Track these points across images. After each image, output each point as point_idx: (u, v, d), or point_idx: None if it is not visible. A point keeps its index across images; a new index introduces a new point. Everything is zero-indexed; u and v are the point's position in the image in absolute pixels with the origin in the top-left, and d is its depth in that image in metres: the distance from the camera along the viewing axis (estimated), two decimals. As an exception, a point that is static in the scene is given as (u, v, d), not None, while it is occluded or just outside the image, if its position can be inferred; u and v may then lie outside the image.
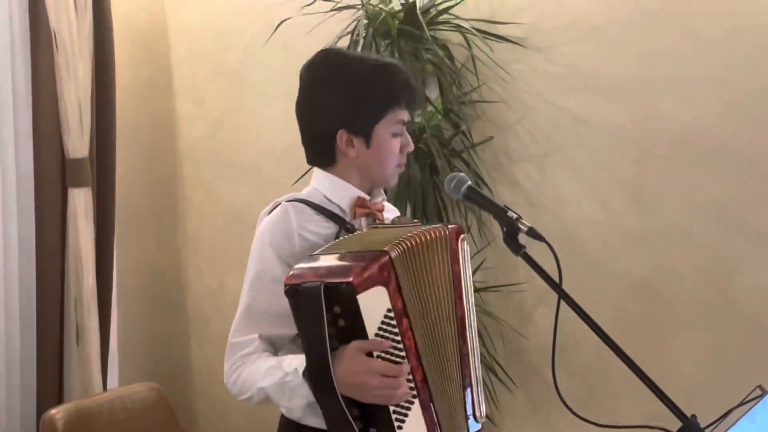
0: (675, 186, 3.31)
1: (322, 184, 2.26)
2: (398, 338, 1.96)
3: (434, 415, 2.03)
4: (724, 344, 3.26)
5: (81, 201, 3.80)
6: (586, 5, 3.41)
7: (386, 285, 1.93)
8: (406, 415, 1.99)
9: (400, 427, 1.97)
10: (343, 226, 2.21)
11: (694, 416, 1.93)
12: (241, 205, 4.25)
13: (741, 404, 2.26)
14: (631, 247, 3.41)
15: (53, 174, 3.77)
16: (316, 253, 2.04)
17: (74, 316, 3.82)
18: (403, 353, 1.97)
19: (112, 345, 4.06)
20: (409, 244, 2.01)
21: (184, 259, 4.51)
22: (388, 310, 1.94)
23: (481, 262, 3.56)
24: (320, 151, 2.26)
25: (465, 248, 2.19)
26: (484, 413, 2.23)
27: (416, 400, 2.00)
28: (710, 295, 3.27)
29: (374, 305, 1.93)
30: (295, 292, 1.92)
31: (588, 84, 3.43)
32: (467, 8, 3.54)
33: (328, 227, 2.21)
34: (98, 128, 3.92)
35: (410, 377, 1.98)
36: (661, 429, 1.96)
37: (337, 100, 2.21)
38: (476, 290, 3.57)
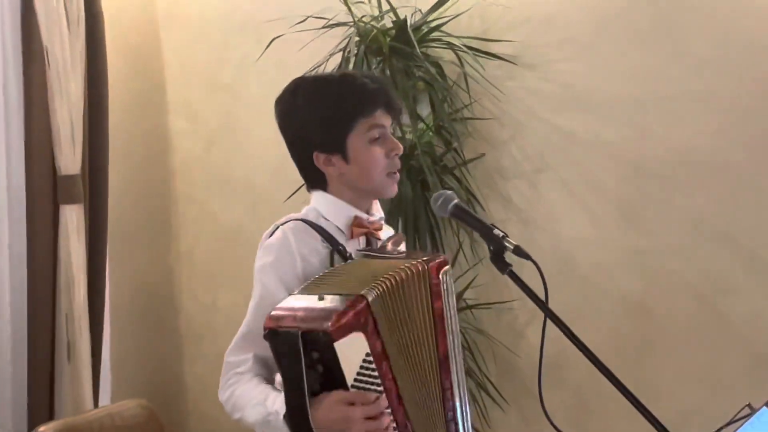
0: (667, 204, 3.32)
1: (319, 204, 2.26)
2: (378, 381, 1.95)
3: None
4: (716, 363, 3.27)
5: (73, 218, 3.81)
6: (577, 23, 3.43)
7: (363, 330, 1.92)
8: None
9: None
10: (335, 247, 2.21)
11: (678, 434, 1.94)
12: (235, 222, 4.25)
13: (730, 422, 2.27)
14: (623, 265, 3.41)
15: (45, 190, 3.79)
16: (296, 291, 2.03)
17: (65, 333, 3.83)
18: (383, 395, 1.96)
19: (105, 362, 4.06)
20: (387, 285, 1.98)
21: (177, 276, 4.51)
22: (367, 354, 1.94)
23: (473, 279, 3.57)
24: (310, 177, 2.27)
25: (448, 280, 2.13)
26: None
27: None
28: (702, 314, 3.28)
29: (352, 351, 1.92)
30: (274, 335, 1.93)
31: (580, 102, 3.44)
32: (459, 25, 3.56)
33: (320, 251, 2.20)
34: (91, 145, 3.94)
35: (391, 418, 1.97)
36: (647, 447, 1.97)
37: (302, 124, 2.22)
38: (468, 307, 3.59)
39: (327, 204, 2.25)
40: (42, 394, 3.81)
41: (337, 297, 1.95)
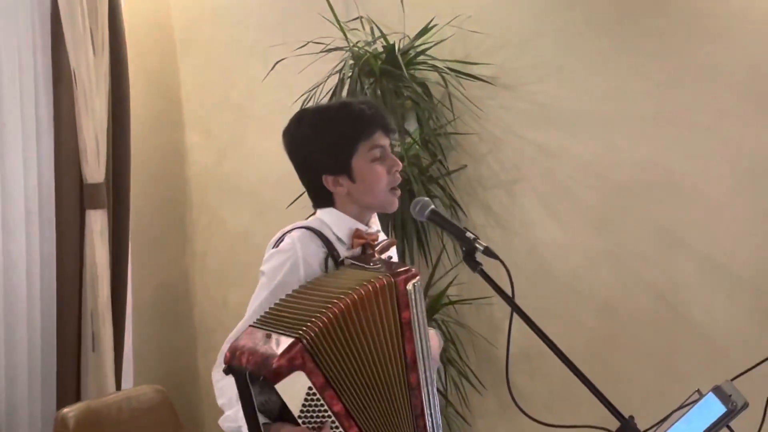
0: (629, 212, 3.34)
1: (327, 217, 2.28)
2: (324, 408, 1.94)
3: None
4: (673, 354, 3.28)
5: (97, 221, 3.83)
6: (549, 49, 3.45)
7: (301, 369, 1.90)
8: None
9: None
10: (330, 253, 2.22)
11: (631, 417, 1.94)
12: (243, 228, 4.27)
13: (681, 407, 2.27)
14: (590, 267, 3.43)
15: (72, 197, 3.80)
16: (254, 323, 2.03)
17: (90, 326, 3.84)
18: (332, 419, 1.95)
19: (128, 352, 4.08)
20: (332, 314, 1.95)
21: (191, 276, 4.52)
22: (309, 388, 1.93)
23: (455, 277, 3.58)
24: (318, 197, 2.28)
25: (417, 290, 2.09)
26: None
27: None
28: (661, 311, 3.29)
29: (294, 388, 1.91)
30: (230, 370, 1.95)
31: (551, 119, 3.46)
32: (443, 50, 3.58)
33: (318, 255, 2.21)
34: (114, 156, 3.95)
35: None
36: (602, 429, 1.98)
37: (310, 151, 2.23)
38: (450, 303, 3.60)
39: (333, 217, 2.26)
40: (69, 379, 3.82)
41: (279, 338, 1.94)
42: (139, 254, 4.25)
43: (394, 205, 2.28)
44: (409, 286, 2.08)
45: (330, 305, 1.96)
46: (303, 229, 2.23)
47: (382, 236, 2.39)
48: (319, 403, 1.94)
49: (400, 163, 2.26)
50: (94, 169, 3.81)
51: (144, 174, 4.28)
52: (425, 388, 2.13)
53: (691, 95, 3.19)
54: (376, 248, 2.30)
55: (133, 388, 3.66)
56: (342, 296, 1.98)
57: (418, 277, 2.10)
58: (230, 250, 4.34)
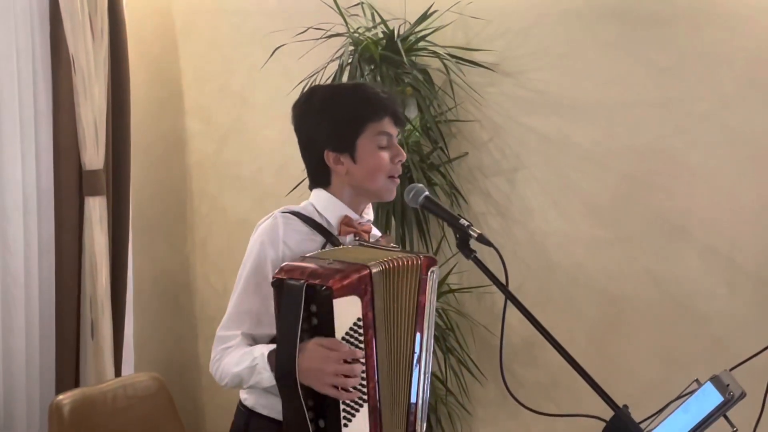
0: (630, 200, 3.31)
1: (317, 201, 2.26)
2: (362, 345, 1.95)
3: (379, 421, 2.02)
4: (673, 344, 3.25)
5: (96, 208, 3.82)
6: (551, 36, 3.41)
7: (361, 296, 1.93)
8: (353, 415, 1.98)
9: (346, 425, 1.96)
10: (329, 239, 2.20)
11: (625, 406, 1.93)
12: (243, 215, 4.24)
13: (679, 396, 2.25)
14: (590, 255, 3.39)
15: (71, 184, 3.79)
16: (308, 255, 2.04)
17: (89, 313, 3.84)
18: (363, 360, 1.96)
19: (128, 339, 4.07)
20: (388, 266, 1.99)
21: (192, 264, 4.50)
22: (358, 319, 1.94)
23: (455, 265, 3.55)
24: (317, 175, 2.26)
25: (434, 279, 2.13)
26: (422, 429, 2.18)
27: (365, 404, 1.99)
28: (661, 300, 3.26)
29: (347, 312, 1.92)
30: (279, 284, 1.93)
31: (552, 106, 3.42)
32: (444, 36, 3.54)
33: (314, 239, 2.20)
34: (114, 143, 3.94)
35: (363, 382, 1.97)
36: (595, 417, 1.96)
37: (317, 124, 2.21)
38: (451, 291, 3.57)
39: (323, 200, 2.24)
40: (68, 367, 3.82)
41: (344, 263, 1.96)
42: (139, 242, 4.24)
43: (392, 194, 2.26)
44: (429, 272, 2.12)
45: (386, 260, 2.00)
46: (289, 214, 2.21)
47: (375, 231, 2.36)
48: (359, 339, 1.95)
49: (405, 154, 2.24)
50: (93, 155, 3.80)
51: (144, 161, 4.27)
52: (422, 383, 2.12)
53: (694, 83, 3.15)
54: (383, 239, 2.28)
55: (129, 375, 3.65)
56: (390, 258, 2.01)
57: (437, 266, 2.14)
58: (230, 237, 4.32)
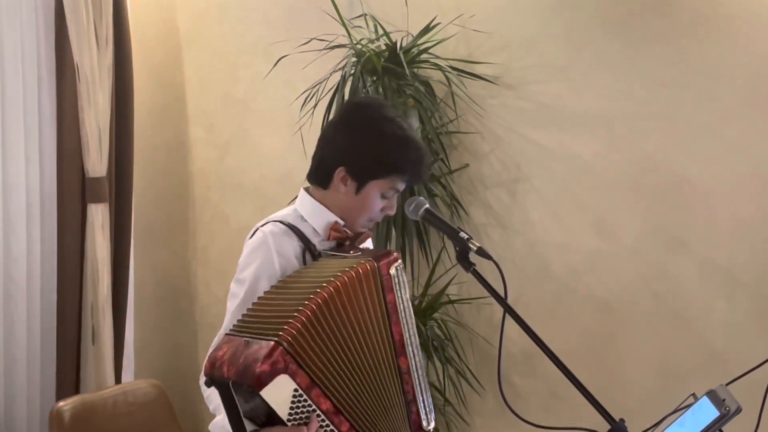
0: (630, 212, 3.31)
1: (302, 206, 2.27)
2: (312, 407, 1.93)
3: None
4: (671, 357, 3.25)
5: (99, 215, 3.83)
6: (552, 48, 3.42)
7: (285, 371, 1.88)
8: None
9: None
10: (307, 246, 2.21)
11: (622, 420, 1.93)
12: (245, 223, 4.24)
13: (676, 410, 2.26)
14: (590, 267, 3.40)
15: (74, 190, 3.81)
16: (230, 330, 2.00)
17: (90, 319, 3.85)
18: (322, 418, 1.94)
19: (129, 345, 4.07)
20: (309, 312, 1.92)
21: (193, 271, 4.51)
22: (295, 390, 1.91)
23: (454, 276, 3.56)
24: (321, 174, 2.27)
25: (398, 273, 2.09)
26: (432, 421, 2.17)
27: None
28: (660, 312, 3.27)
29: (279, 393, 1.89)
30: (212, 382, 1.93)
31: (553, 119, 3.43)
32: (446, 49, 3.56)
33: (299, 245, 2.21)
34: (117, 151, 3.95)
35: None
36: (591, 430, 1.96)
37: (351, 141, 2.22)
38: (450, 302, 3.58)
39: (310, 208, 2.26)
40: (69, 372, 3.83)
41: (258, 343, 1.90)
42: (141, 248, 4.25)
43: (358, 231, 2.27)
44: (392, 270, 2.08)
45: (307, 301, 1.94)
46: (277, 223, 2.22)
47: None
48: (306, 404, 1.92)
49: (395, 210, 2.27)
50: (96, 163, 3.81)
51: (147, 168, 4.28)
52: (415, 373, 2.12)
53: (694, 97, 3.16)
54: (356, 240, 2.29)
55: (129, 382, 3.66)
56: (322, 287, 1.96)
57: (399, 261, 2.10)
58: (232, 245, 4.31)
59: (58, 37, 3.76)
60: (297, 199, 2.30)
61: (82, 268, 3.86)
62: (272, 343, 1.87)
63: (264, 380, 1.86)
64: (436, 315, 3.55)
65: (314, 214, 2.25)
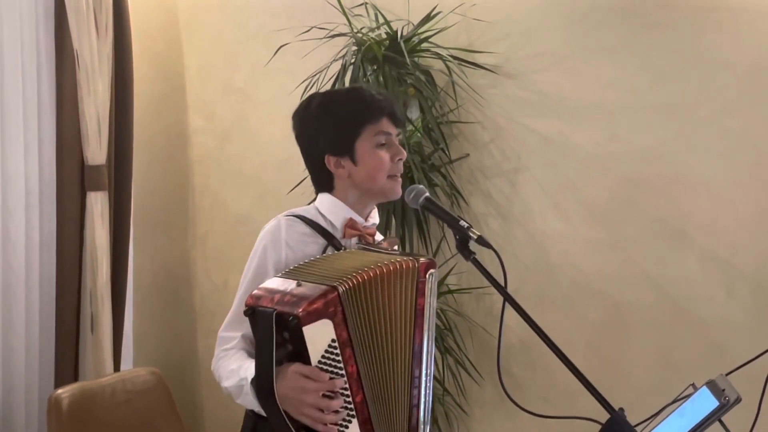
0: (630, 203, 3.31)
1: (322, 204, 2.28)
2: (340, 365, 1.95)
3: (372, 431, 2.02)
4: (671, 347, 3.25)
5: (98, 203, 3.82)
6: (553, 38, 3.41)
7: (332, 318, 1.92)
8: (346, 429, 1.98)
9: None
10: (330, 242, 2.21)
11: (621, 409, 1.92)
12: (244, 211, 4.25)
13: (675, 400, 2.26)
14: (590, 258, 3.40)
15: (73, 178, 3.79)
16: (279, 275, 2.04)
17: (89, 307, 3.84)
18: (344, 379, 1.96)
19: (128, 333, 4.07)
20: (361, 279, 1.97)
21: (193, 259, 4.51)
22: (332, 341, 1.93)
23: (454, 266, 3.56)
24: (321, 180, 2.28)
25: (432, 281, 2.13)
26: (427, 429, 2.17)
27: (354, 420, 1.99)
28: (660, 303, 3.27)
29: (318, 336, 1.92)
30: (252, 312, 1.94)
31: (554, 109, 3.42)
32: (447, 38, 3.54)
33: (317, 242, 2.21)
34: (117, 139, 3.94)
35: (349, 399, 1.97)
36: (591, 420, 1.96)
37: (316, 131, 2.24)
38: (450, 291, 3.58)
39: (328, 204, 2.26)
40: (67, 360, 3.82)
41: (312, 285, 1.95)
42: (141, 236, 4.24)
43: (396, 192, 2.26)
44: (428, 275, 2.11)
45: (365, 269, 1.99)
46: (293, 217, 2.22)
47: (379, 236, 2.36)
48: (336, 359, 1.94)
49: (405, 152, 2.25)
50: (96, 150, 3.80)
51: (147, 156, 4.28)
52: (425, 381, 2.12)
53: (695, 87, 3.15)
54: (386, 242, 2.29)
55: (127, 370, 3.66)
56: (374, 266, 2.00)
57: (435, 268, 2.13)
58: (231, 233, 4.33)
59: (57, 25, 3.74)
60: (317, 199, 2.30)
61: (81, 256, 3.85)
62: (330, 287, 1.92)
63: (312, 316, 1.89)
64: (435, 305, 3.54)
65: (333, 211, 2.25)
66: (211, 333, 4.44)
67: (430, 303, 2.12)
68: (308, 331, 1.89)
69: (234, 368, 2.08)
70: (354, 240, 2.24)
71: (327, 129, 2.22)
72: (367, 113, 2.22)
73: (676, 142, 3.20)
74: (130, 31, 3.95)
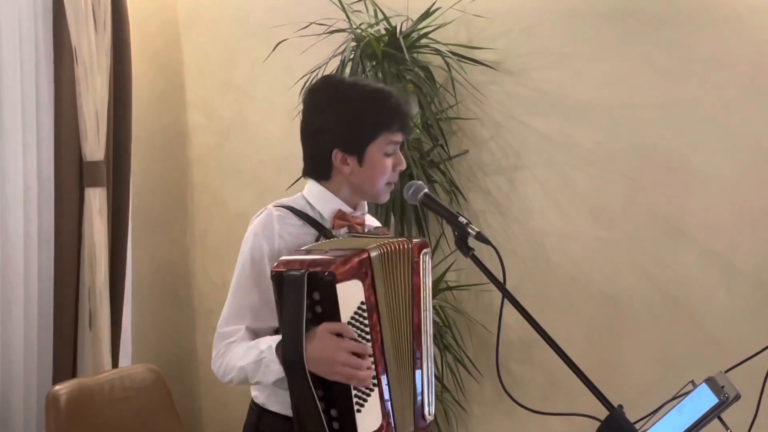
0: (630, 200, 3.31)
1: (310, 193, 2.25)
2: (367, 329, 1.96)
3: (390, 405, 2.02)
4: (670, 345, 3.25)
5: (96, 200, 3.81)
6: (553, 35, 3.41)
7: (363, 280, 1.94)
8: (365, 401, 1.98)
9: (359, 410, 1.96)
10: (322, 232, 2.20)
11: (620, 406, 1.92)
12: (243, 209, 4.24)
13: (674, 397, 2.25)
14: (589, 255, 3.40)
15: (71, 175, 3.77)
16: (304, 248, 2.04)
17: (88, 303, 3.82)
18: (369, 344, 1.97)
19: (126, 330, 4.06)
20: (384, 250, 2.02)
21: (192, 257, 4.50)
22: (362, 303, 1.95)
23: (453, 263, 3.55)
24: (318, 168, 2.25)
25: (426, 261, 2.15)
26: (432, 412, 2.19)
27: (376, 389, 1.99)
28: (659, 301, 3.27)
29: (350, 296, 1.93)
30: (280, 278, 1.93)
31: (554, 106, 3.42)
32: (446, 34, 3.54)
33: (308, 233, 2.20)
34: (115, 135, 3.93)
35: (372, 367, 1.97)
36: (590, 417, 1.95)
37: (333, 123, 2.19)
38: (449, 288, 3.57)
39: (316, 194, 2.24)
40: (66, 357, 3.80)
41: (343, 250, 1.98)
42: (140, 233, 4.23)
43: (386, 198, 2.28)
44: (422, 254, 2.15)
45: (380, 242, 2.03)
46: (284, 208, 2.21)
47: (370, 220, 2.37)
48: (364, 323, 1.96)
49: (405, 163, 2.26)
50: (94, 147, 3.79)
51: (146, 153, 4.27)
52: (427, 361, 2.14)
53: (695, 85, 3.15)
54: (376, 230, 2.29)
55: (126, 366, 3.65)
56: (380, 243, 2.04)
57: (428, 248, 2.18)
58: (230, 230, 4.31)
59: (56, 21, 3.72)
60: (305, 187, 2.28)
61: (80, 252, 3.83)
62: (360, 249, 1.96)
63: (346, 275, 1.91)
64: (434, 301, 3.53)
65: (322, 201, 2.24)
66: (209, 330, 4.43)
67: (425, 282, 2.15)
68: (341, 289, 1.90)
69: (249, 346, 2.06)
70: (344, 230, 2.23)
71: (344, 123, 2.19)
72: (389, 121, 2.20)
73: (675, 139, 3.20)
74: (128, 27, 3.93)
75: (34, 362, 3.75)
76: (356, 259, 1.93)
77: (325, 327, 1.93)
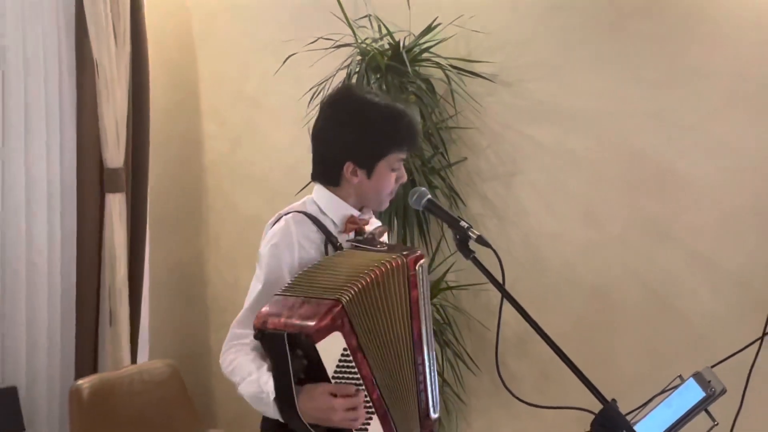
0: (620, 205, 3.31)
1: (320, 199, 2.26)
2: (355, 371, 1.96)
3: (391, 422, 2.06)
4: (659, 341, 3.25)
5: (116, 204, 3.82)
6: (548, 48, 3.41)
7: (340, 329, 1.93)
8: (367, 425, 2.01)
9: None
10: (329, 238, 2.21)
11: (614, 400, 1.93)
12: (254, 212, 4.25)
13: (663, 391, 2.26)
14: (582, 257, 3.39)
15: (93, 181, 3.80)
16: (279, 293, 2.02)
17: (108, 303, 3.84)
18: (360, 382, 1.97)
19: (144, 328, 4.07)
20: (361, 285, 1.98)
21: (206, 258, 4.51)
22: (344, 350, 1.94)
23: (453, 264, 3.55)
24: (328, 174, 2.26)
25: (423, 270, 2.14)
26: (438, 411, 2.20)
27: (374, 415, 2.01)
28: (649, 300, 3.26)
29: (331, 349, 1.93)
30: (262, 335, 1.93)
31: (548, 115, 3.42)
32: (446, 48, 3.54)
33: (321, 238, 2.21)
34: (134, 143, 3.95)
35: (367, 398, 1.99)
36: (584, 410, 1.96)
37: (349, 137, 2.20)
38: (449, 288, 3.58)
39: (327, 200, 2.25)
40: (87, 352, 3.83)
41: (316, 301, 1.94)
42: (157, 236, 4.25)
43: (385, 206, 2.31)
44: (418, 267, 2.13)
45: (361, 275, 1.99)
46: (298, 213, 2.22)
47: (374, 221, 2.38)
48: (350, 366, 1.96)
49: (406, 176, 2.28)
50: (114, 154, 3.80)
51: (162, 160, 4.28)
52: (429, 366, 2.14)
53: (681, 95, 3.15)
54: (376, 232, 2.29)
55: (145, 362, 3.66)
56: (364, 273, 2.00)
57: (424, 259, 2.15)
58: (242, 233, 4.33)
59: (78, 35, 3.74)
60: (314, 192, 2.29)
61: (100, 254, 3.85)
62: (333, 300, 1.92)
63: (323, 333, 1.89)
64: (435, 300, 3.54)
65: (333, 207, 2.24)
66: (222, 327, 4.42)
67: (423, 293, 2.14)
68: (321, 346, 1.90)
69: (254, 377, 2.05)
70: (346, 237, 2.24)
71: (357, 138, 2.20)
72: (401, 141, 2.23)
73: (662, 146, 3.20)
74: (146, 41, 3.96)
75: (57, 358, 3.76)
76: (329, 316, 1.91)
77: (319, 389, 1.94)
